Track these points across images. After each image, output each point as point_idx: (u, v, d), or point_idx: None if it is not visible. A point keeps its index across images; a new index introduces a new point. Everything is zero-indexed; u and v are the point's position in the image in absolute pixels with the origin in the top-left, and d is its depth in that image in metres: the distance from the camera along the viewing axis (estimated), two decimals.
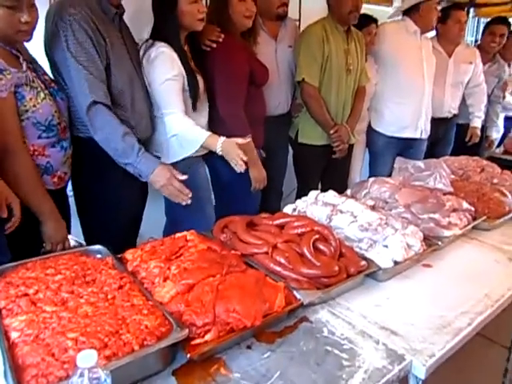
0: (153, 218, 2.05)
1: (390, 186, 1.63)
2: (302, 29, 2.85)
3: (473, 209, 1.58)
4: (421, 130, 2.75)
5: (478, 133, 3.03)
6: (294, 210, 1.50)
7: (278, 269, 1.09)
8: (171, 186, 1.59)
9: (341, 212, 1.41)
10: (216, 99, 1.89)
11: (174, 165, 1.74)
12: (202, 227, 1.73)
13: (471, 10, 4.36)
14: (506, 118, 3.54)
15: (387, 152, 2.78)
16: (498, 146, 3.30)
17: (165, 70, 1.69)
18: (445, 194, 1.63)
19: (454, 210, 1.53)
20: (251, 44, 2.03)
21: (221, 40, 1.82)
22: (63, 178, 1.50)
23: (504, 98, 3.27)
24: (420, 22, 2.61)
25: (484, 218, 1.58)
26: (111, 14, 1.58)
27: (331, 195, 1.54)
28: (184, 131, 1.71)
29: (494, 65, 3.29)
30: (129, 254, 1.09)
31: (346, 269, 1.12)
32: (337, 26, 2.31)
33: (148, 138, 1.76)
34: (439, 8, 2.84)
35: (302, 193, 2.56)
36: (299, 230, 1.22)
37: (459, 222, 1.49)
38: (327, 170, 2.54)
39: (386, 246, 1.27)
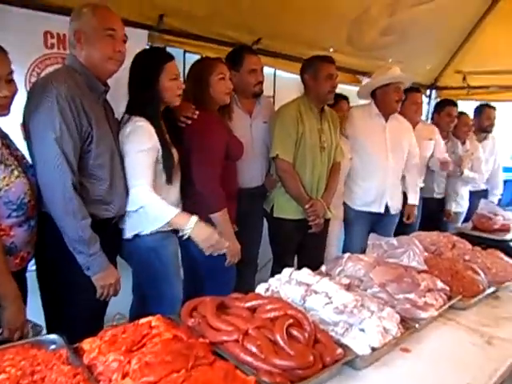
0: (121, 292, 1.95)
1: (364, 264, 1.61)
2: (276, 104, 3.00)
3: (448, 288, 1.56)
4: (385, 205, 2.84)
5: (415, 211, 3.06)
6: (267, 289, 1.45)
7: (250, 359, 1.01)
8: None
9: (315, 292, 1.36)
10: (193, 174, 1.90)
11: (140, 238, 1.69)
12: (169, 305, 1.65)
13: (433, 91, 4.70)
14: (471, 193, 3.70)
15: (357, 224, 2.88)
16: (466, 220, 3.42)
17: (139, 142, 1.70)
18: (419, 272, 1.62)
19: (430, 290, 1.50)
20: (226, 119, 2.09)
21: (195, 117, 1.88)
22: (25, 258, 1.43)
23: (462, 172, 3.44)
24: (380, 105, 2.81)
25: (459, 297, 1.56)
26: (99, 92, 1.60)
27: (305, 274, 1.50)
28: (150, 205, 1.68)
29: (448, 142, 3.54)
30: (86, 344, 1.00)
31: (321, 358, 1.06)
32: (311, 107, 2.42)
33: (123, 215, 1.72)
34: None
35: (277, 266, 2.54)
36: (272, 314, 1.16)
37: (435, 302, 1.47)
38: (303, 244, 2.53)
39: (363, 330, 1.22)
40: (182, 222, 1.71)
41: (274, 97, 3.37)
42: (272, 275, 2.63)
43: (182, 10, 2.46)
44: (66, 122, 1.43)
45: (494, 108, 3.85)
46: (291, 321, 1.13)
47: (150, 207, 1.68)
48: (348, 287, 1.48)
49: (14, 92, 1.37)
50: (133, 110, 1.76)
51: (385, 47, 3.57)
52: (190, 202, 1.90)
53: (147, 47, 2.53)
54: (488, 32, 3.80)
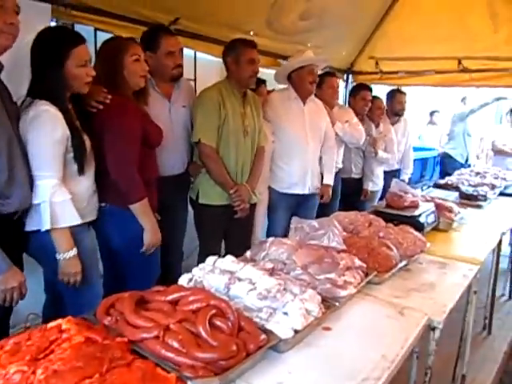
0: (33, 291, 1.79)
1: (287, 247, 1.64)
2: (197, 88, 2.92)
3: (364, 265, 1.64)
4: (308, 186, 2.93)
5: (329, 191, 3.16)
6: (191, 279, 1.41)
7: (171, 355, 0.97)
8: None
9: (239, 280, 1.35)
10: (107, 162, 1.77)
11: (47, 232, 1.56)
12: (88, 304, 1.55)
13: (350, 76, 4.91)
14: (385, 173, 3.95)
15: (281, 207, 2.93)
16: (381, 198, 3.64)
17: (46, 130, 1.54)
18: (339, 252, 1.69)
19: (348, 268, 1.57)
20: (141, 104, 1.98)
21: (108, 101, 1.74)
22: None
23: (376, 153, 3.65)
24: (296, 88, 2.88)
25: (374, 273, 1.65)
26: None
27: (229, 261, 1.48)
28: (52, 203, 1.54)
29: (364, 125, 3.69)
30: None
31: (244, 346, 1.05)
32: (233, 91, 2.39)
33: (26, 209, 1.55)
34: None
35: (204, 253, 2.51)
36: (194, 306, 1.13)
37: (353, 279, 1.53)
38: (230, 230, 2.52)
39: (286, 314, 1.24)
40: (64, 243, 1.58)
41: (195, 80, 3.29)
42: (198, 263, 2.62)
43: None
44: None
45: (404, 93, 4.12)
46: (214, 311, 1.11)
47: (52, 205, 1.53)
48: (272, 271, 1.50)
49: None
50: (36, 92, 1.59)
51: (304, 32, 3.63)
52: (105, 193, 1.79)
53: (53, 24, 2.31)
54: (396, 21, 4.04)
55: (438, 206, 2.49)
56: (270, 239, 1.73)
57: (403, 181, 4.10)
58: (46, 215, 1.52)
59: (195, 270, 1.46)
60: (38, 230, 1.57)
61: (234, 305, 1.21)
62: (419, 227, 2.18)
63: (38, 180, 1.53)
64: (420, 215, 2.26)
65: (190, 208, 2.57)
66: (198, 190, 2.40)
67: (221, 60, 2.52)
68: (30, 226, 1.59)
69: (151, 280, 1.94)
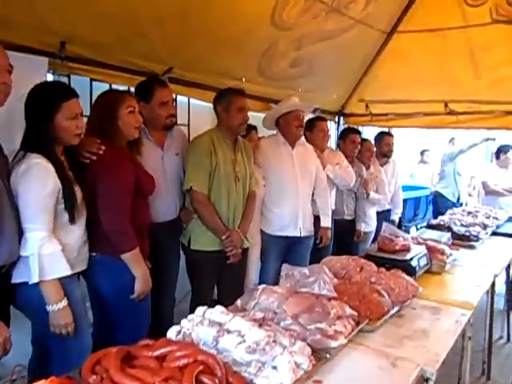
0: (20, 341, 1.75)
1: (277, 296, 1.63)
2: (191, 132, 2.99)
3: (356, 313, 1.62)
4: (300, 228, 2.93)
5: (328, 234, 3.20)
6: (179, 332, 1.39)
7: None
8: None
9: (228, 332, 1.34)
10: (99, 213, 1.78)
11: (35, 285, 1.55)
12: (77, 358, 1.52)
13: (341, 118, 5.04)
14: (378, 213, 3.98)
15: (273, 250, 2.93)
16: (374, 239, 3.66)
17: (36, 183, 1.56)
18: (329, 300, 1.68)
19: (339, 317, 1.55)
20: (135, 154, 2.02)
21: (101, 152, 1.78)
22: None
23: (368, 194, 3.70)
24: (284, 133, 2.95)
25: (366, 321, 1.63)
26: None
27: (218, 312, 1.47)
28: (42, 256, 1.54)
29: (354, 167, 3.76)
30: None
31: None
32: (224, 138, 2.45)
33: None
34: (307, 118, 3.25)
35: (196, 300, 2.49)
36: (181, 362, 1.11)
37: (344, 329, 1.51)
38: (222, 275, 2.51)
39: (275, 368, 1.22)
40: (54, 294, 1.57)
41: (188, 125, 3.37)
42: (191, 310, 2.58)
43: (86, 37, 2.35)
44: None
45: (391, 135, 4.24)
46: (201, 367, 1.09)
47: (41, 258, 1.54)
48: (262, 321, 1.48)
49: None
50: (28, 145, 1.63)
51: (294, 78, 3.77)
52: (96, 243, 1.80)
53: (50, 75, 2.39)
54: (384, 66, 4.20)
55: (429, 248, 2.50)
56: (261, 287, 1.73)
57: (393, 221, 4.16)
58: (35, 268, 1.52)
59: (184, 322, 1.45)
60: (26, 283, 1.56)
61: (222, 358, 1.19)
62: (411, 271, 2.18)
63: (28, 232, 1.54)
64: (412, 259, 2.26)
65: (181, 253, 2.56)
66: (190, 235, 2.41)
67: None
68: (18, 277, 1.58)
69: (142, 329, 1.91)
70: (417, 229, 5.51)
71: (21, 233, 1.55)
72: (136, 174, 1.89)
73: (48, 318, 1.58)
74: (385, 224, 2.54)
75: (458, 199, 5.55)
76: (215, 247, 2.40)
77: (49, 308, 1.55)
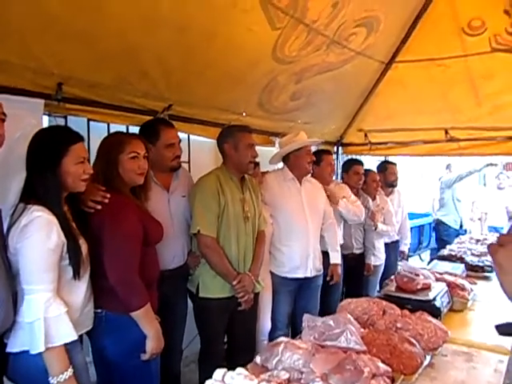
0: None
1: (302, 353, 1.49)
2: (192, 169, 2.88)
3: (389, 370, 1.49)
4: (310, 268, 2.80)
5: (339, 270, 3.06)
6: None
7: None
8: None
9: None
10: (105, 266, 1.64)
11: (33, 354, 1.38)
12: None
13: (339, 148, 4.99)
14: (386, 245, 3.87)
15: (283, 291, 2.78)
16: (384, 271, 3.55)
17: (38, 239, 1.42)
18: (358, 353, 1.54)
19: (374, 376, 1.42)
20: (142, 200, 1.89)
21: (106, 201, 1.66)
22: None
23: (376, 226, 3.60)
24: (293, 169, 2.85)
25: (402, 378, 1.50)
26: None
27: (242, 376, 1.33)
28: (47, 319, 1.38)
29: (360, 199, 3.67)
30: None
31: None
32: (231, 176, 2.34)
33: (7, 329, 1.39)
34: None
35: (205, 351, 2.31)
36: None
37: None
38: (233, 322, 2.34)
39: None
40: (59, 364, 1.40)
41: (189, 162, 3.27)
42: (200, 362, 2.40)
43: (84, 78, 2.25)
44: None
45: (395, 164, 4.17)
46: None
47: (47, 322, 1.38)
48: (288, 383, 1.34)
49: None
50: (29, 196, 1.50)
51: (294, 110, 3.73)
52: (102, 298, 1.64)
53: (45, 117, 2.29)
54: (382, 96, 4.19)
55: (449, 284, 2.39)
56: (283, 342, 1.58)
57: (403, 252, 4.04)
58: (40, 335, 1.36)
59: None
60: (25, 351, 1.40)
61: None
62: (436, 312, 2.06)
63: (30, 294, 1.39)
64: (435, 298, 2.14)
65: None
66: (198, 282, 2.25)
67: (214, 141, 2.50)
68: (16, 346, 1.42)
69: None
70: (420, 258, 5.40)
71: (16, 297, 1.40)
72: (143, 223, 1.75)
73: None
74: (403, 263, 2.42)
75: (461, 226, 5.47)
76: (225, 294, 2.24)
77: (53, 380, 1.38)
